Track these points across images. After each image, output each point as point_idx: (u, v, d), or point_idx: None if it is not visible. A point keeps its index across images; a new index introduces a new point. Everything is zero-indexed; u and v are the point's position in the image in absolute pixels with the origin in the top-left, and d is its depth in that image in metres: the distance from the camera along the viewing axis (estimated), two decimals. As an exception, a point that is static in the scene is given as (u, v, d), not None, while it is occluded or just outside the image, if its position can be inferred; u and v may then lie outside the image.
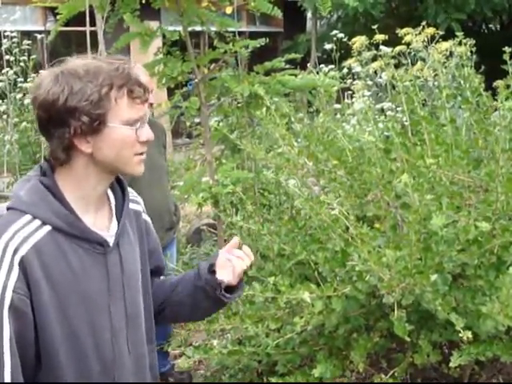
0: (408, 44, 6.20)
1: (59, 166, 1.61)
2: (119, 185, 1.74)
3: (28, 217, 1.55)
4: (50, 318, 1.54)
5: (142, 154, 1.62)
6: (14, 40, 8.22)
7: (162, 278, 1.96)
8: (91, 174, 1.60)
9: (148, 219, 1.87)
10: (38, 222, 1.55)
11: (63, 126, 1.54)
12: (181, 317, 2.05)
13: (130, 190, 1.79)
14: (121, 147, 1.57)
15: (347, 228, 2.49)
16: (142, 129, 1.60)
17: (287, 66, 4.38)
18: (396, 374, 2.66)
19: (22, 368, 1.52)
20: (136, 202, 1.82)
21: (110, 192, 1.71)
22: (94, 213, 1.65)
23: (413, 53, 6.32)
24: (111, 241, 1.65)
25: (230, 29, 4.14)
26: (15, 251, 1.51)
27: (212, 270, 1.81)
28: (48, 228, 1.56)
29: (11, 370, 1.49)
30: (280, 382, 2.69)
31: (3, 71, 8.03)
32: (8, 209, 1.59)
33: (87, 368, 1.60)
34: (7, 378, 1.48)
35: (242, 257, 1.82)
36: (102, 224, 1.66)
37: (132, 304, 1.70)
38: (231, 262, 1.81)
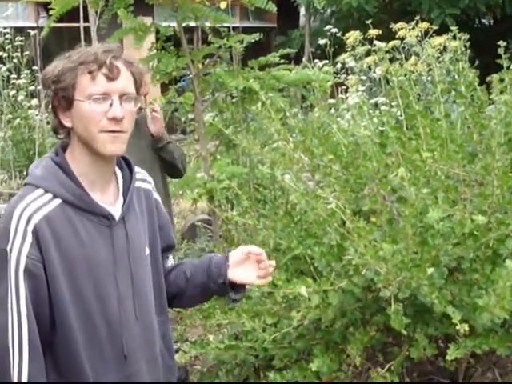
0: (402, 39, 6.21)
1: (68, 146, 1.75)
2: (127, 165, 1.85)
3: (40, 190, 1.69)
4: (60, 281, 1.66)
5: (113, 132, 1.68)
6: (7, 36, 8.19)
7: (171, 263, 2.02)
8: (83, 152, 1.72)
9: (158, 197, 1.97)
10: (49, 195, 1.69)
11: (49, 99, 1.72)
12: (189, 306, 2.26)
13: (140, 170, 1.90)
14: (86, 122, 1.68)
15: (343, 222, 2.49)
16: (112, 106, 1.67)
17: (281, 61, 4.39)
18: (392, 368, 2.67)
19: (39, 326, 1.65)
20: (146, 181, 1.93)
21: (118, 172, 1.82)
22: (101, 190, 1.76)
23: (407, 47, 6.33)
24: (117, 215, 1.76)
25: (224, 24, 4.14)
26: (28, 220, 1.65)
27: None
28: (58, 201, 1.69)
29: (28, 325, 1.63)
30: (277, 376, 2.69)
31: (-4, 67, 8.01)
32: (24, 184, 1.74)
33: (95, 330, 1.71)
34: (25, 332, 1.63)
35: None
36: (108, 200, 1.76)
37: (138, 275, 1.80)
38: (249, 261, 1.89)
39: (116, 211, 1.76)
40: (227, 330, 3.30)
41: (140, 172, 1.90)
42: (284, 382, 2.66)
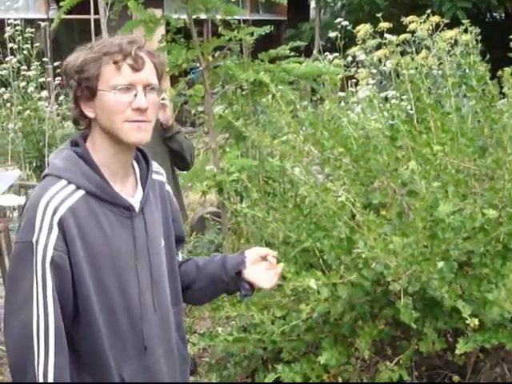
0: (413, 32, 6.18)
1: (88, 137, 1.76)
2: (144, 158, 1.86)
3: (64, 181, 1.69)
4: (84, 273, 1.67)
5: (137, 121, 1.68)
6: (18, 28, 8.21)
7: (183, 257, 2.06)
8: (105, 142, 1.72)
9: (170, 189, 1.98)
10: (72, 187, 1.69)
11: (71, 90, 1.72)
12: (198, 301, 2.23)
13: (154, 162, 1.90)
14: (110, 112, 1.67)
15: (353, 215, 2.49)
16: (136, 97, 1.67)
17: (291, 54, 4.38)
18: (401, 362, 2.67)
19: (63, 318, 1.66)
20: (160, 173, 1.94)
21: (135, 164, 1.83)
22: (121, 181, 1.76)
23: (417, 41, 6.30)
24: (136, 206, 1.77)
25: (235, 16, 4.13)
26: (54, 212, 1.64)
27: (238, 271, 1.93)
28: (82, 192, 1.69)
29: (54, 316, 1.63)
30: (285, 369, 2.70)
31: (7, 59, 8.03)
32: (45, 176, 1.73)
33: (117, 322, 1.73)
34: (51, 323, 1.63)
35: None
36: (127, 191, 1.77)
37: (156, 266, 1.81)
38: (265, 262, 1.94)
39: (135, 203, 1.77)
40: (236, 322, 3.31)
41: (154, 164, 1.91)
42: (291, 381, 2.67)
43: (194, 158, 4.05)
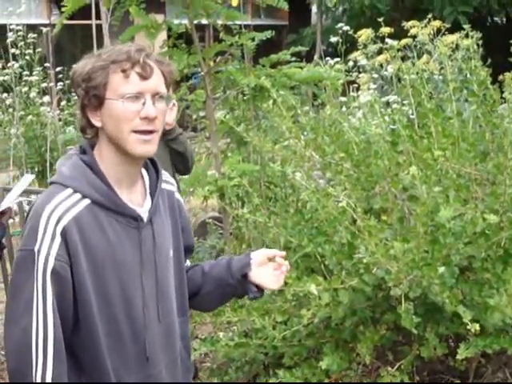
0: (414, 37, 6.19)
1: (95, 145, 1.73)
2: (154, 166, 1.83)
3: (69, 190, 1.67)
4: (87, 283, 1.65)
5: (145, 132, 1.66)
6: (20, 33, 8.22)
7: (189, 263, 2.04)
8: (111, 152, 1.70)
9: (180, 198, 1.96)
10: (78, 196, 1.67)
11: (78, 98, 1.70)
12: (207, 307, 2.19)
13: (163, 172, 1.87)
14: (118, 121, 1.65)
15: (354, 220, 2.49)
16: (145, 106, 1.65)
17: (293, 59, 4.39)
18: (402, 367, 2.67)
19: (63, 324, 1.64)
20: (170, 182, 1.91)
21: (144, 173, 1.81)
22: (127, 190, 1.74)
23: (419, 46, 6.31)
24: (145, 216, 1.74)
25: (236, 21, 4.14)
26: (58, 221, 1.62)
27: (244, 273, 1.90)
28: (87, 201, 1.67)
29: (54, 326, 1.62)
30: (287, 374, 2.69)
31: (9, 64, 8.04)
32: (51, 183, 1.71)
33: (119, 332, 1.71)
34: (50, 333, 1.62)
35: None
36: (136, 201, 1.75)
37: (163, 276, 1.79)
38: (273, 264, 1.90)
39: (144, 213, 1.74)
40: (237, 327, 3.30)
41: (164, 173, 1.88)
42: (292, 382, 2.67)
43: (193, 162, 4.05)
